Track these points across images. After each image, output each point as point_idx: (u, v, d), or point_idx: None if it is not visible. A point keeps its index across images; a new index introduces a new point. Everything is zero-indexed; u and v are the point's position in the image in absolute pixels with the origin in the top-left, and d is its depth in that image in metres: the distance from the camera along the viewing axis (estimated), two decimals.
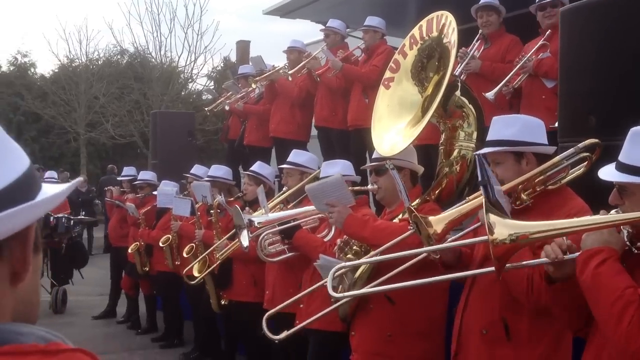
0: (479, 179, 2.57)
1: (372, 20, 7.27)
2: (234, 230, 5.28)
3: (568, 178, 2.82)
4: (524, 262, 2.44)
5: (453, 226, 2.89)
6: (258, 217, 4.51)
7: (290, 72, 7.68)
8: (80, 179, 0.88)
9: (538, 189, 2.81)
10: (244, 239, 4.44)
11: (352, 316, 3.79)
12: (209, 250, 5.88)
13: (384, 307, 3.60)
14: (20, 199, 0.75)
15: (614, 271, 2.10)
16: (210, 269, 5.82)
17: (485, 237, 2.34)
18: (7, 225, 0.73)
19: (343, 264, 3.19)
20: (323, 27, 8.06)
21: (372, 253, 3.54)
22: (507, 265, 2.35)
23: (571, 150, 2.80)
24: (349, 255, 3.78)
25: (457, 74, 5.60)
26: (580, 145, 2.79)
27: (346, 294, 3.26)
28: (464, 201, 2.95)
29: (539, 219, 2.63)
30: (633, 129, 2.29)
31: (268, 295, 5.10)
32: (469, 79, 5.67)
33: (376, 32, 7.23)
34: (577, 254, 2.24)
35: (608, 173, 2.30)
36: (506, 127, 2.91)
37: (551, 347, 2.71)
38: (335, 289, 3.21)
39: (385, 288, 3.17)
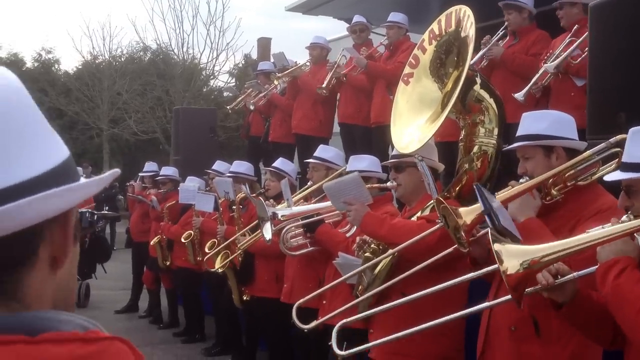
0: (482, 208, 2.51)
1: (395, 16, 7.25)
2: (256, 221, 5.30)
3: (599, 174, 2.78)
4: (528, 289, 2.32)
5: (483, 218, 2.85)
6: (282, 210, 4.50)
7: (324, 86, 7.64)
8: (117, 170, 0.89)
9: (569, 184, 2.77)
10: (267, 232, 4.43)
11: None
12: (229, 240, 5.90)
13: (402, 305, 3.57)
14: (64, 182, 0.77)
15: (634, 280, 2.07)
16: (232, 257, 5.85)
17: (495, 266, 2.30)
18: (51, 204, 0.74)
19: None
20: (349, 25, 8.01)
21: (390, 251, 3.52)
22: (527, 290, 2.29)
23: (602, 145, 2.76)
24: (367, 254, 3.76)
25: (478, 59, 5.56)
26: (612, 140, 2.75)
27: (350, 351, 3.20)
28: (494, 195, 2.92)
29: (569, 215, 2.58)
30: (632, 129, 2.29)
31: (286, 289, 5.11)
32: (493, 75, 5.61)
33: (400, 28, 7.21)
34: (572, 275, 2.21)
35: (613, 175, 2.29)
36: (536, 122, 2.90)
37: (582, 345, 2.66)
38: (340, 346, 3.18)
39: (403, 300, 3.13)
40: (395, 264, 3.60)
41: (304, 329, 3.66)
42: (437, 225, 3.17)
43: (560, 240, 2.26)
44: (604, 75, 3.76)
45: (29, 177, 0.74)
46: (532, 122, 2.91)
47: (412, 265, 3.31)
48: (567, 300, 2.27)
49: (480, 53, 5.66)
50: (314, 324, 3.66)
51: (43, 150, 0.78)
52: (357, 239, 3.92)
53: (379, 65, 7.18)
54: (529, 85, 5.27)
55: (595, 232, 2.19)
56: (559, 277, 2.22)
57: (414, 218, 3.68)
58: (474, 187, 2.63)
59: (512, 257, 2.17)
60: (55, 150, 0.79)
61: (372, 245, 3.78)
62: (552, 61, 5.24)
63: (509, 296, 2.28)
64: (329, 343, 3.29)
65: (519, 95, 5.20)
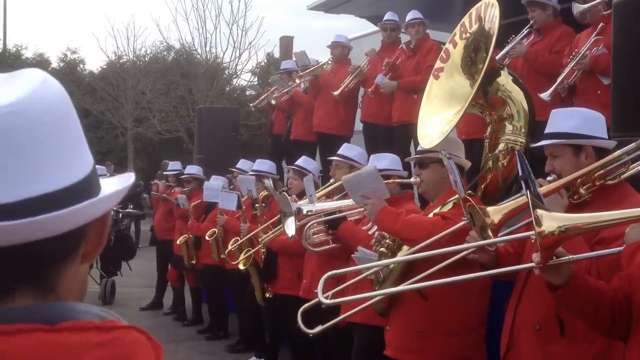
0: (520, 173, 2.52)
1: (415, 14, 7.22)
2: (278, 216, 5.33)
3: (628, 173, 2.75)
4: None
5: (511, 217, 2.84)
6: (306, 206, 4.51)
7: (337, 94, 7.67)
8: (132, 175, 0.94)
9: (597, 184, 2.75)
10: (291, 227, 4.44)
11: (387, 311, 3.78)
12: (251, 234, 5.98)
13: (416, 303, 3.57)
14: (97, 182, 0.83)
15: None
16: (254, 250, 5.93)
17: (530, 233, 2.32)
18: (98, 208, 0.81)
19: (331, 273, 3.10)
20: (387, 20, 7.88)
21: (402, 252, 3.50)
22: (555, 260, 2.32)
23: (632, 145, 2.72)
24: (381, 249, 3.76)
25: (501, 57, 5.51)
26: None
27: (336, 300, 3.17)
28: (520, 193, 2.91)
29: None
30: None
31: (305, 285, 5.14)
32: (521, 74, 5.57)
33: (420, 25, 7.18)
34: (570, 257, 2.23)
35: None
36: (566, 119, 2.87)
37: (606, 346, 2.64)
38: (325, 293, 3.11)
39: (415, 287, 3.12)
40: (409, 263, 3.57)
41: (310, 333, 3.60)
42: (461, 223, 3.15)
43: (597, 213, 2.28)
44: (628, 73, 3.73)
45: (80, 179, 0.80)
46: (561, 120, 2.88)
47: (427, 262, 3.31)
48: (563, 282, 2.27)
49: (504, 51, 5.63)
50: (318, 328, 3.61)
51: (85, 154, 0.84)
52: (377, 233, 3.93)
53: (410, 80, 7.05)
54: (555, 85, 5.21)
55: (631, 210, 2.20)
56: (554, 257, 2.23)
57: (431, 214, 3.67)
58: (516, 153, 2.60)
59: (551, 220, 2.19)
60: (88, 157, 0.85)
61: (387, 241, 3.77)
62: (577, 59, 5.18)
63: (531, 263, 2.30)
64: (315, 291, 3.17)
65: (545, 95, 5.13)
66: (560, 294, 2.31)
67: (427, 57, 6.94)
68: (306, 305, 3.62)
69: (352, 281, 3.70)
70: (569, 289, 2.27)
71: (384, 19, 7.87)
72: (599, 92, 5.08)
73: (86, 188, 0.79)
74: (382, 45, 7.87)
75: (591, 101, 4.98)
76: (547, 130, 2.92)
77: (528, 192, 2.40)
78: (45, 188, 0.75)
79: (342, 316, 3.80)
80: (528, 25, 5.88)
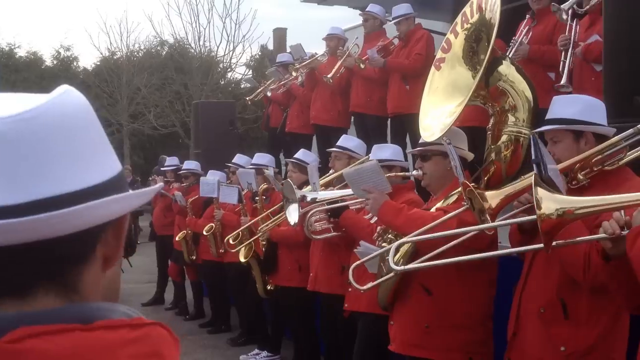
0: (533, 157, 2.56)
1: (399, 10, 7.23)
2: (279, 204, 5.35)
3: (626, 159, 2.78)
4: (580, 238, 2.42)
5: (508, 202, 2.87)
6: (310, 194, 4.53)
7: (330, 76, 7.65)
8: (161, 184, 0.98)
9: (595, 169, 2.78)
10: (293, 214, 4.47)
11: (391, 305, 3.78)
12: (250, 223, 6.01)
13: (421, 298, 3.58)
14: (119, 191, 0.86)
15: None
16: (253, 239, 5.99)
17: (533, 217, 2.34)
18: (110, 209, 0.83)
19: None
20: (362, 12, 8.04)
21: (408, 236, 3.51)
22: (566, 241, 2.34)
23: (630, 131, 2.76)
24: (383, 244, 3.76)
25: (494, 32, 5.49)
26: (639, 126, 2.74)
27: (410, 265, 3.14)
28: (519, 179, 2.95)
29: None
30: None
31: (312, 277, 5.19)
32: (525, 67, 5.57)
33: (408, 19, 7.20)
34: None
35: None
36: (567, 106, 2.92)
37: (609, 327, 2.70)
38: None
39: (430, 264, 3.11)
40: (413, 254, 3.57)
41: (361, 289, 3.54)
42: (462, 208, 3.16)
43: (600, 196, 2.30)
44: (619, 60, 3.76)
45: (95, 184, 0.82)
46: (563, 106, 2.93)
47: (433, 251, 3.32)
48: (619, 254, 2.27)
49: (508, 54, 5.59)
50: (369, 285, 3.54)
51: (107, 160, 0.87)
52: (378, 228, 3.94)
53: (397, 61, 7.16)
54: (566, 75, 5.17)
55: (636, 194, 2.22)
56: (626, 229, 2.21)
57: (433, 209, 3.66)
58: (530, 136, 2.63)
59: (550, 203, 2.21)
60: (114, 161, 0.88)
61: (389, 235, 3.77)
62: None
63: (541, 244, 2.31)
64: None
65: (565, 86, 5.08)
66: (613, 265, 2.33)
67: (417, 45, 6.99)
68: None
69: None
70: (623, 262, 2.26)
71: (365, 10, 7.90)
72: (593, 78, 5.09)
73: (100, 193, 0.82)
74: (367, 37, 7.92)
75: (586, 87, 4.99)
76: (549, 116, 2.96)
77: (536, 173, 2.41)
78: (53, 191, 0.78)
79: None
80: (526, 21, 5.87)
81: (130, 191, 0.89)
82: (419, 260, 3.18)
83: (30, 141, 0.78)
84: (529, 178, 2.82)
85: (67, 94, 0.85)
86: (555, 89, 5.03)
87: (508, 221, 2.88)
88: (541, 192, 2.24)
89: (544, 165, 2.50)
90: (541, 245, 2.32)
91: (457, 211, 3.22)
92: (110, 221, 0.85)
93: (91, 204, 0.79)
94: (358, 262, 3.60)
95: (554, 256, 2.45)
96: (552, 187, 2.35)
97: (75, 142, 0.82)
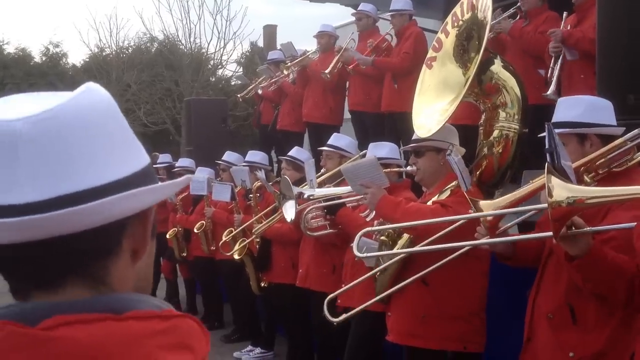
0: (546, 146, 2.52)
1: (397, 4, 7.27)
2: (272, 206, 5.35)
3: (635, 160, 2.73)
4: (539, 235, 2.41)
5: (510, 208, 2.85)
6: (307, 190, 4.55)
7: (327, 72, 7.68)
8: (189, 176, 1.00)
9: (601, 172, 2.73)
10: (289, 211, 4.48)
11: (388, 297, 3.81)
12: (244, 225, 6.04)
13: (418, 289, 3.63)
14: (146, 184, 0.88)
15: None
16: (248, 241, 6.00)
17: (547, 234, 2.36)
18: (135, 202, 0.85)
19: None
20: (354, 11, 8.07)
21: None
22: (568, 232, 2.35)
23: (636, 131, 2.71)
24: (382, 237, 3.81)
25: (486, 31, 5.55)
26: None
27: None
28: (521, 188, 2.92)
29: None
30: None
31: (301, 274, 5.21)
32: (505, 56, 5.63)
33: (402, 15, 7.23)
34: (587, 229, 2.28)
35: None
36: (571, 108, 2.88)
37: (619, 331, 2.63)
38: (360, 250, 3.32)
39: (414, 250, 3.18)
40: (412, 245, 3.63)
41: (334, 322, 3.73)
42: (468, 215, 3.16)
43: (611, 187, 2.32)
44: (613, 57, 3.80)
45: (117, 179, 0.85)
46: (566, 109, 2.89)
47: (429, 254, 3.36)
48: (581, 254, 2.31)
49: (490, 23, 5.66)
50: (343, 317, 3.72)
51: (130, 155, 0.89)
52: (375, 222, 3.98)
53: (385, 60, 7.21)
54: (554, 83, 5.21)
55: None
56: (573, 228, 2.26)
57: (429, 202, 3.72)
58: (545, 125, 2.62)
59: (562, 191, 2.20)
60: (140, 155, 0.91)
61: (387, 230, 3.80)
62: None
63: (549, 232, 2.32)
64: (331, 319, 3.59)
65: (550, 94, 5.12)
66: (576, 265, 2.35)
67: (405, 43, 7.03)
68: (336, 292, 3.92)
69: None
70: (585, 260, 2.31)
71: (357, 9, 7.93)
72: (582, 75, 5.12)
73: (123, 187, 0.84)
74: (360, 35, 7.95)
75: (576, 85, 5.02)
76: (553, 119, 2.91)
77: (549, 163, 2.39)
78: (75, 187, 0.81)
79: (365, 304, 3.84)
80: (515, 6, 5.94)
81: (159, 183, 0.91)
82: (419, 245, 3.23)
83: (51, 140, 0.81)
84: (530, 186, 2.83)
85: (87, 92, 0.87)
86: (543, 97, 5.08)
87: (516, 238, 2.88)
88: (554, 180, 2.22)
89: (557, 154, 2.46)
90: (550, 233, 2.32)
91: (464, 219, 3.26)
92: (135, 214, 0.87)
93: (108, 200, 0.81)
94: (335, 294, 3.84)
95: (562, 261, 2.46)
96: (564, 176, 2.32)
97: (95, 138, 0.84)
